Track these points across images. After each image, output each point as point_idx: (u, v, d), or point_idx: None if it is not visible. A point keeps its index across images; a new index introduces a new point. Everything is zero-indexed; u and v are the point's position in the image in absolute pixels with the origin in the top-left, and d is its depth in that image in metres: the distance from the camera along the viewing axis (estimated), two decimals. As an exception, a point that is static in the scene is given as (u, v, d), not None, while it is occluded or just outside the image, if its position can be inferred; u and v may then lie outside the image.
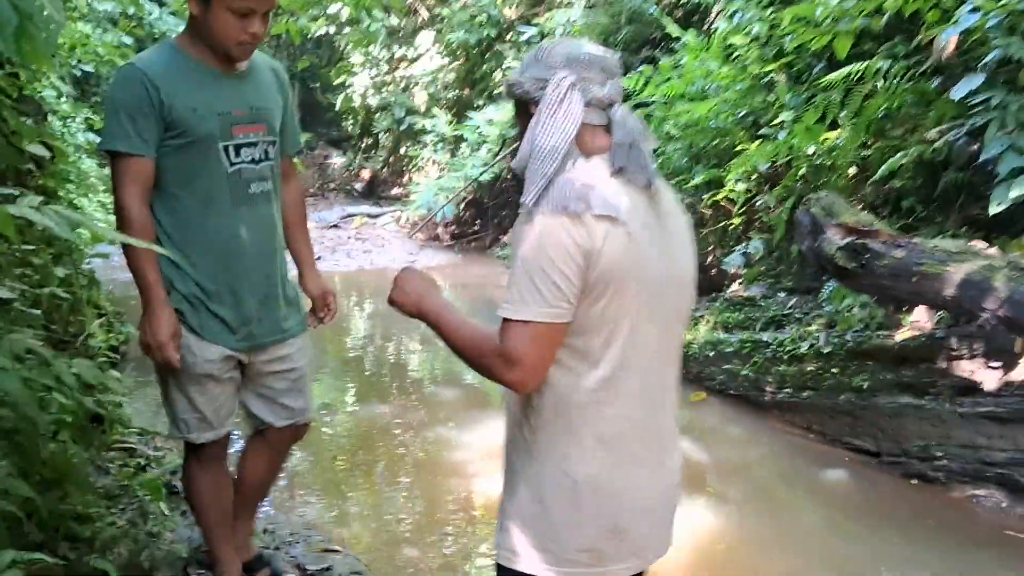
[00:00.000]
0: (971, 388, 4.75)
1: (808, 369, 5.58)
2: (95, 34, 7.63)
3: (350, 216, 15.10)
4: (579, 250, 1.55)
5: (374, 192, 17.89)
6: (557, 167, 1.60)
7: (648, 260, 1.62)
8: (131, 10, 8.24)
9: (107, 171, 2.59)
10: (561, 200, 1.56)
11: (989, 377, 4.72)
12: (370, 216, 15.28)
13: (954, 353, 4.88)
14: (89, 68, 8.41)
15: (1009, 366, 4.68)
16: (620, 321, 1.62)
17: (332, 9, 13.59)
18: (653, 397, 1.72)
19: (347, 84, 17.54)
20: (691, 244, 1.81)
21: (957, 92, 4.60)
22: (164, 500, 2.91)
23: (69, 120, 7.69)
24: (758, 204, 7.27)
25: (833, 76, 6.22)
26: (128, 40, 8.06)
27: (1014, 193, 4.36)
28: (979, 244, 4.43)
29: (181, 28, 2.60)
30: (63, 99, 7.66)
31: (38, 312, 2.68)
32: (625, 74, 9.06)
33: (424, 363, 7.07)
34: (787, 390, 5.73)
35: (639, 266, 1.60)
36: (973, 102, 4.70)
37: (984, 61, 4.60)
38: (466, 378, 6.64)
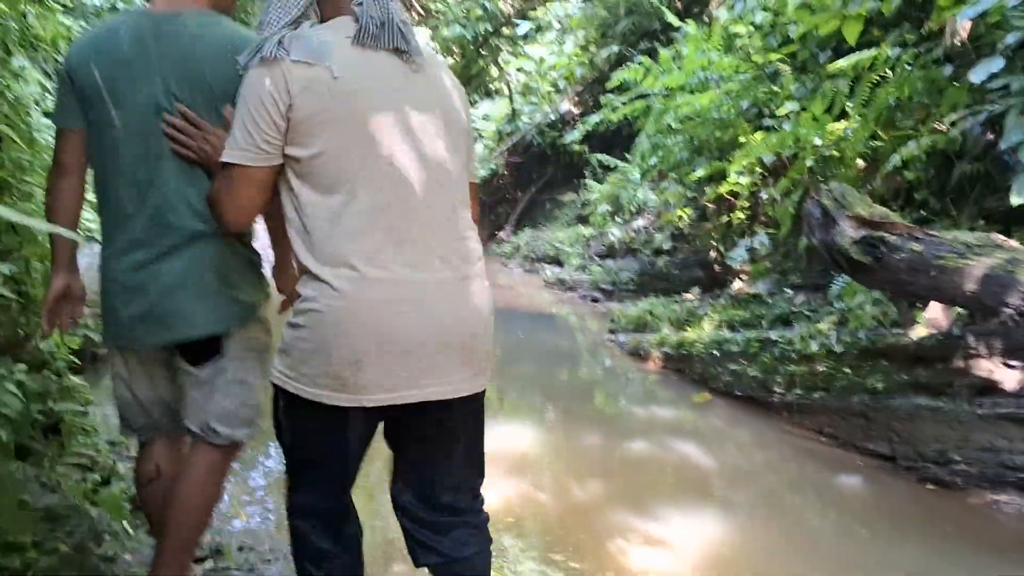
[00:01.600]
0: (990, 388, 4.52)
1: (819, 369, 5.35)
2: (76, 26, 7.38)
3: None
4: (272, 95, 1.67)
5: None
6: (287, 28, 1.73)
7: (371, 104, 1.70)
8: (120, 4, 8.02)
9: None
10: (263, 51, 1.69)
11: (1009, 377, 4.49)
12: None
13: (972, 352, 4.65)
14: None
15: (1031, 365, 4.46)
16: (346, 156, 1.69)
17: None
18: (409, 229, 1.73)
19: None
20: (455, 100, 1.89)
21: (976, 75, 4.36)
22: (127, 517, 2.65)
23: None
24: (762, 197, 7.02)
25: (842, 63, 5.98)
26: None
27: (1039, 182, 4.13)
28: (999, 237, 4.19)
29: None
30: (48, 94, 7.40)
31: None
32: (623, 65, 8.94)
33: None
34: (797, 391, 5.49)
35: (357, 108, 1.69)
36: (992, 87, 4.46)
37: (1004, 44, 4.36)
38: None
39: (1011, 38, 4.24)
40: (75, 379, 3.08)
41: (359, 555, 2.07)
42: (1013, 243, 4.08)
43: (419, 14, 16.87)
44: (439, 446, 1.99)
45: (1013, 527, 4.26)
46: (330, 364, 1.69)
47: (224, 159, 1.72)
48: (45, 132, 3.34)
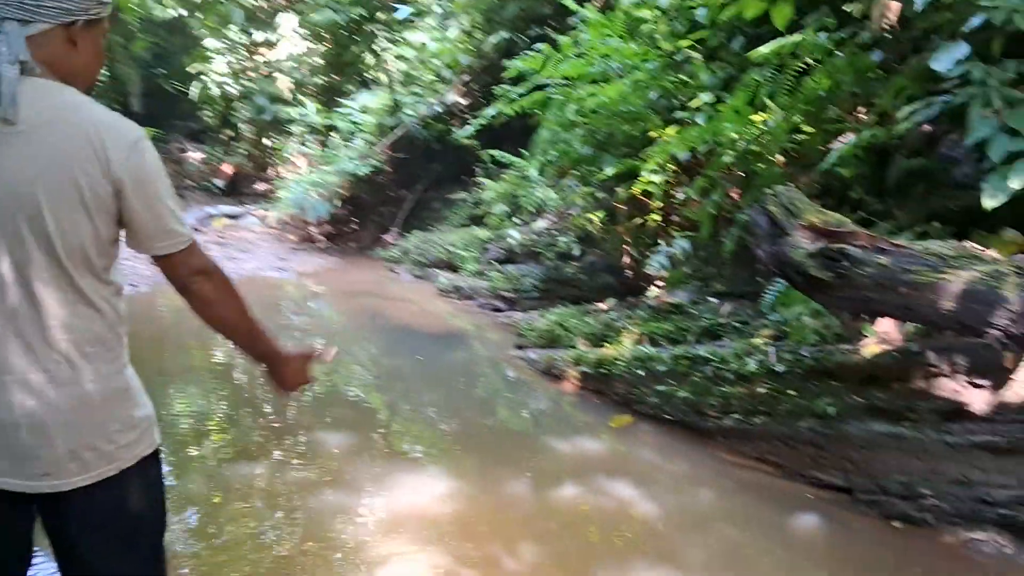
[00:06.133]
0: (958, 412, 4.07)
1: (759, 391, 4.81)
2: None
3: (210, 217, 13.52)
4: None
5: (237, 189, 16.34)
6: None
7: None
8: None
9: None
10: None
11: (977, 398, 4.05)
12: (231, 217, 13.72)
13: (933, 370, 4.19)
14: None
15: (998, 384, 4.03)
16: None
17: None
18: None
19: (203, 72, 15.91)
20: (63, 155, 1.66)
21: (939, 63, 3.87)
22: None
23: None
24: (678, 197, 6.48)
25: (764, 50, 5.47)
26: None
27: (1015, 183, 3.67)
28: (975, 247, 3.72)
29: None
30: None
31: None
32: (515, 56, 8.25)
33: (307, 404, 5.89)
34: (735, 415, 4.95)
35: None
36: (950, 75, 3.98)
37: (965, 28, 3.88)
38: (369, 420, 5.62)
39: (976, 20, 3.76)
40: None
41: None
42: (992, 253, 3.61)
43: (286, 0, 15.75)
44: (71, 540, 1.82)
45: (992, 569, 3.82)
46: None
47: None
48: None
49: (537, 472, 4.70)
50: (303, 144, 14.05)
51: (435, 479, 4.50)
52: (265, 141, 15.94)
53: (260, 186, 15.87)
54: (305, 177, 12.66)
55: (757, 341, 5.03)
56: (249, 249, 11.76)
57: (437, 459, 4.93)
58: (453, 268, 9.82)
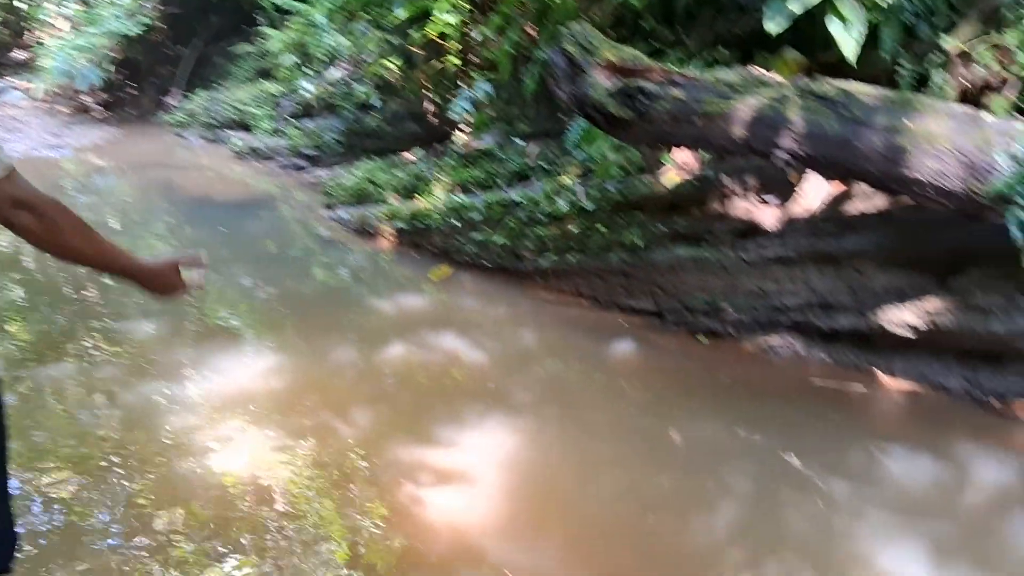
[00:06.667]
0: (752, 230, 4.35)
1: (571, 229, 4.94)
2: None
3: (-37, 94, 11.99)
4: None
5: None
6: None
7: None
8: None
9: None
10: None
11: (768, 216, 4.34)
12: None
13: (727, 192, 4.44)
14: None
15: (786, 199, 4.33)
16: None
17: None
18: None
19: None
20: None
21: None
22: None
23: None
24: (475, 38, 6.31)
25: None
26: None
27: (795, 6, 3.80)
28: (759, 71, 3.86)
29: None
30: None
31: None
32: None
33: (110, 290, 5.47)
34: (550, 255, 5.08)
35: None
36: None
37: None
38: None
39: None
40: None
41: None
42: (776, 77, 3.75)
43: None
44: None
45: (789, 370, 4.22)
46: None
47: None
48: None
49: (362, 333, 4.68)
50: (60, 4, 12.51)
51: (258, 354, 4.39)
52: (17, 3, 14.06)
53: (19, 54, 14.12)
54: (68, 42, 11.35)
55: (565, 180, 5.12)
56: (17, 128, 10.55)
57: (257, 332, 4.79)
58: (246, 128, 9.27)
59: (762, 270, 4.28)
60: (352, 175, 6.82)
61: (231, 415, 3.74)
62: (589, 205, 4.82)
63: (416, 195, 6.05)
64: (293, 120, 8.61)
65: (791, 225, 4.20)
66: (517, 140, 5.85)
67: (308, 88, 8.47)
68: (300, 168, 8.15)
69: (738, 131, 3.68)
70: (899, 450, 3.47)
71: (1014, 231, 3.36)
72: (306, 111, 8.56)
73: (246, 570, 2.74)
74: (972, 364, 3.86)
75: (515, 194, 5.28)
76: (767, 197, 4.38)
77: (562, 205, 4.93)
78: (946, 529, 2.98)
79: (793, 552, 2.86)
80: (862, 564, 2.79)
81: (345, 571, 2.74)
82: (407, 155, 6.77)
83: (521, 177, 5.55)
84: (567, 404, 3.99)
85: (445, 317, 4.92)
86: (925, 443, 3.52)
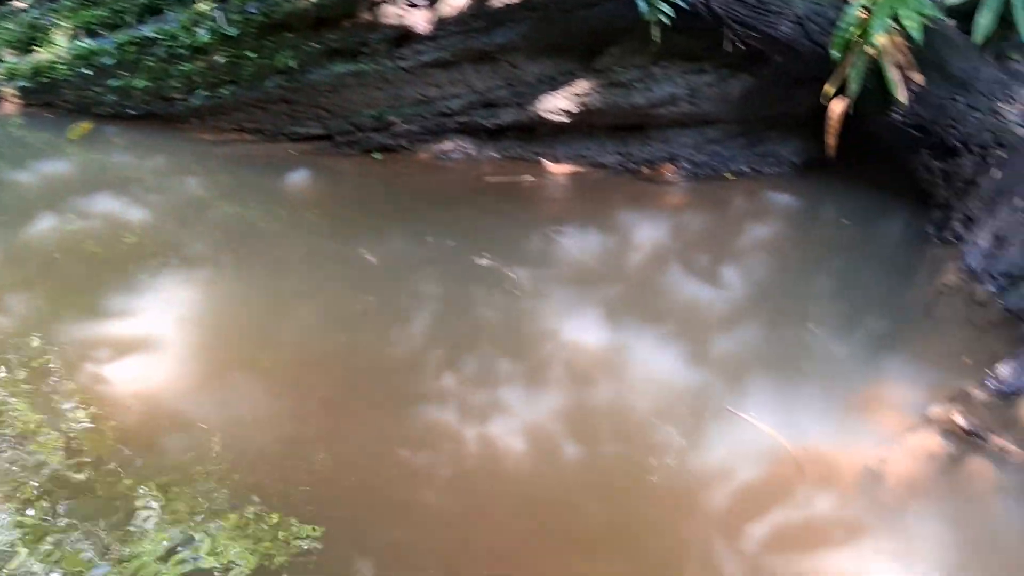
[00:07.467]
0: (406, 37, 4.26)
1: (218, 61, 4.57)
2: None
3: None
4: None
5: None
6: None
7: None
8: None
9: None
10: None
11: (419, 19, 4.26)
12: None
13: (376, 1, 4.28)
14: None
15: (434, 1, 4.26)
16: None
17: None
18: None
19: None
20: None
21: None
22: None
23: None
24: None
25: None
26: None
27: None
28: None
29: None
30: None
31: None
32: None
33: None
34: (201, 92, 4.69)
35: None
36: None
37: None
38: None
39: None
40: None
41: None
42: None
43: None
44: None
45: (464, 172, 4.32)
46: None
47: None
48: None
49: (5, 213, 4.12)
50: None
51: None
52: None
53: None
54: None
55: (202, 7, 4.67)
56: None
57: None
58: None
59: (422, 76, 4.25)
60: (-52, 32, 5.77)
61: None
62: (232, 31, 4.45)
63: (35, 47, 5.26)
64: None
65: (442, 26, 4.16)
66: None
67: None
68: None
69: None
70: (570, 229, 3.72)
71: (641, 4, 3.57)
72: None
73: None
74: (622, 137, 4.18)
75: (148, 30, 4.76)
76: (416, 0, 4.29)
77: (203, 35, 4.53)
78: (617, 292, 3.28)
79: (489, 343, 3.01)
80: (549, 339, 3.01)
81: (51, 464, 2.52)
82: (16, 2, 5.82)
83: (152, 10, 4.97)
84: (251, 245, 3.82)
85: (98, 178, 4.45)
86: (591, 218, 3.80)
